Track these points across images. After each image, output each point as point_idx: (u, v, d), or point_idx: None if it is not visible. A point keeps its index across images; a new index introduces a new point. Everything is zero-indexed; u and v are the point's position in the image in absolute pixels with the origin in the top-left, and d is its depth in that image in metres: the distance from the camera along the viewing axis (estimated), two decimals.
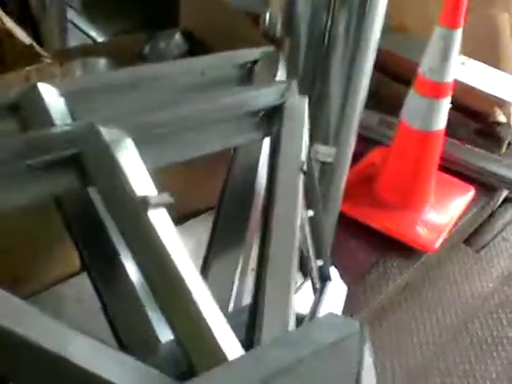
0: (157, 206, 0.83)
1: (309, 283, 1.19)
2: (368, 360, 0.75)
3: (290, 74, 1.39)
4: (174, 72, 1.19)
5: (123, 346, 0.91)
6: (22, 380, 0.86)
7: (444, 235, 2.04)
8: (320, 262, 1.16)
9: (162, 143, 0.93)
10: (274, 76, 1.28)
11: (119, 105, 1.07)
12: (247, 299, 1.01)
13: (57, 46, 2.00)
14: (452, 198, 2.17)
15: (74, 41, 2.15)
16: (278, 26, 1.63)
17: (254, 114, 1.04)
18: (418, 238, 2.01)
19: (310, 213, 1.12)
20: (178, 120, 0.95)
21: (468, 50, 2.23)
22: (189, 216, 1.57)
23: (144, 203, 0.82)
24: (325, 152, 1.61)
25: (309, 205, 1.11)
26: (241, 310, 0.98)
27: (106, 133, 0.86)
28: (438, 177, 2.12)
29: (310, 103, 1.55)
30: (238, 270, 1.06)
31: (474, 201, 2.20)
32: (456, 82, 1.90)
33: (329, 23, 1.38)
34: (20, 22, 1.39)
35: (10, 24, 1.33)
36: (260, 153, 1.18)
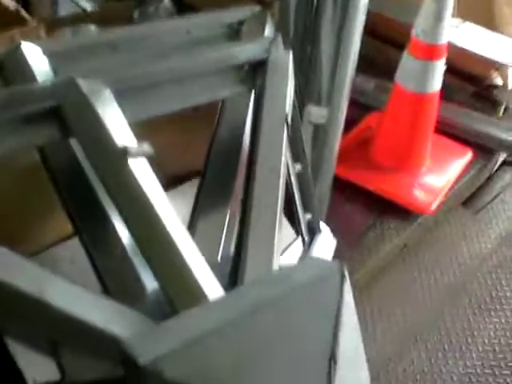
0: (137, 155, 0.84)
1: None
2: (348, 299, 0.76)
3: (281, 35, 1.39)
4: (159, 31, 1.19)
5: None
6: (11, 330, 0.88)
7: (441, 197, 2.04)
8: (308, 216, 1.17)
9: (142, 96, 0.94)
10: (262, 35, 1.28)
11: (103, 63, 1.07)
12: None
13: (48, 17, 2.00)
14: (449, 160, 2.17)
15: (64, 13, 2.15)
16: None
17: (239, 67, 1.04)
18: (414, 201, 2.02)
19: (298, 167, 1.12)
20: (160, 73, 0.96)
21: (463, 13, 2.21)
22: (180, 180, 1.58)
23: (124, 152, 0.83)
24: (317, 113, 1.62)
25: (295, 159, 1.11)
26: (228, 260, 0.99)
27: (85, 85, 0.87)
28: (435, 140, 2.11)
29: (301, 65, 1.56)
30: (226, 224, 1.07)
31: (471, 163, 2.20)
32: (451, 45, 1.90)
33: None
34: None
35: None
36: (247, 111, 1.18)
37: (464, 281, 1.98)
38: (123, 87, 0.91)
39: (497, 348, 1.79)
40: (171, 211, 0.84)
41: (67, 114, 0.86)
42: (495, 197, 2.27)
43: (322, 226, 1.24)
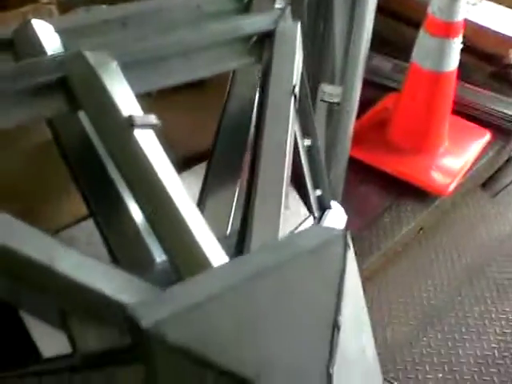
0: (143, 125, 0.84)
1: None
2: (351, 267, 0.75)
3: (294, 13, 1.39)
4: (169, 7, 1.19)
5: None
6: (25, 303, 0.89)
7: (459, 179, 2.02)
8: (319, 192, 1.16)
9: (149, 68, 0.94)
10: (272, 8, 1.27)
11: (112, 38, 1.08)
12: None
13: None
14: (467, 142, 2.14)
15: None
16: None
17: (246, 39, 1.04)
18: (432, 182, 2.00)
19: (307, 142, 1.11)
20: (167, 45, 0.96)
21: None
22: (194, 161, 1.58)
23: (130, 122, 0.83)
24: (331, 91, 1.61)
25: (305, 133, 1.11)
26: (236, 234, 0.99)
27: (92, 57, 0.87)
28: (453, 121, 2.09)
29: (314, 42, 1.55)
30: (235, 200, 1.07)
31: (490, 145, 2.17)
32: (469, 23, 1.87)
33: None
34: None
35: None
36: (257, 85, 1.18)
37: (482, 263, 1.95)
38: (130, 60, 0.91)
39: None
40: (177, 181, 0.84)
41: (74, 85, 0.86)
42: None
43: (334, 203, 1.23)
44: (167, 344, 0.65)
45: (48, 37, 1.04)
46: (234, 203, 1.06)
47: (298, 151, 1.09)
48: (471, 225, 2.07)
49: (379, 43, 1.73)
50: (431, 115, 2.00)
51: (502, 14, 2.21)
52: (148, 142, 0.85)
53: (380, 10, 1.55)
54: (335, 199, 1.42)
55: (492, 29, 2.17)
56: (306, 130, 1.10)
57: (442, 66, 1.88)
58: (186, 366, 0.67)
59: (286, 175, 0.91)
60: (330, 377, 0.66)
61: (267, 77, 1.00)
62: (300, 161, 1.11)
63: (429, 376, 1.64)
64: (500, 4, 2.28)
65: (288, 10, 1.11)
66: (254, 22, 1.06)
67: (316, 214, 1.16)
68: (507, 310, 1.83)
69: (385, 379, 1.59)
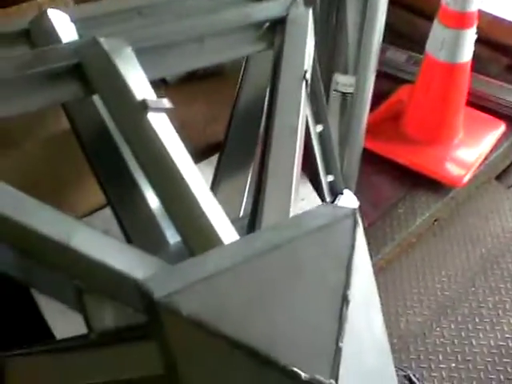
0: (156, 109, 0.86)
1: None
2: (360, 243, 0.77)
3: (307, 3, 1.40)
4: None
5: None
6: (39, 282, 0.91)
7: (473, 171, 2.01)
8: (331, 177, 1.18)
9: (163, 54, 0.96)
10: None
11: (127, 26, 1.10)
12: None
13: None
14: (482, 133, 2.13)
15: None
16: None
17: (258, 25, 1.06)
18: (446, 174, 1.99)
19: (319, 128, 1.12)
20: (180, 32, 0.97)
21: None
22: (211, 151, 1.60)
23: (143, 106, 0.85)
24: (344, 82, 1.62)
25: (317, 120, 1.12)
26: (248, 216, 1.00)
27: (107, 43, 0.89)
28: (468, 112, 2.08)
29: (327, 31, 1.56)
30: (247, 184, 1.09)
31: (504, 136, 2.16)
32: (485, 15, 1.86)
33: None
34: None
35: None
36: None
37: (496, 254, 1.95)
38: (144, 45, 0.93)
39: None
40: (190, 163, 0.86)
41: (89, 70, 0.88)
42: None
43: (346, 191, 1.24)
44: (180, 315, 0.66)
45: (64, 26, 1.07)
46: (247, 188, 1.08)
47: (310, 136, 1.10)
48: (486, 216, 2.06)
49: (393, 35, 1.74)
50: (446, 107, 1.99)
51: None
52: (161, 125, 0.86)
53: (393, 2, 1.55)
54: (349, 190, 1.43)
55: (507, 19, 2.16)
56: (318, 116, 1.11)
57: (456, 57, 1.87)
58: (198, 338, 0.68)
59: (297, 159, 0.92)
60: (339, 350, 0.67)
61: (279, 62, 1.01)
62: (312, 146, 1.12)
63: (442, 366, 1.64)
64: None
65: None
66: (267, 9, 1.08)
67: (327, 199, 1.18)
68: None
69: (398, 368, 1.60)
